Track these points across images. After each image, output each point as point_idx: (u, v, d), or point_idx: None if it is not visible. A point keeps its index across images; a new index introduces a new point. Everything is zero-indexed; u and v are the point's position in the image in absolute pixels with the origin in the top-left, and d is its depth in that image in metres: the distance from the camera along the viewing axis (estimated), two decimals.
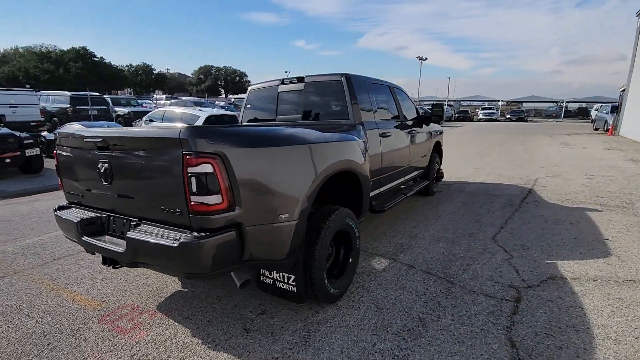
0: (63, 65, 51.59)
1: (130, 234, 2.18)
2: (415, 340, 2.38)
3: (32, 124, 13.22)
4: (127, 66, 74.67)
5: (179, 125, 2.33)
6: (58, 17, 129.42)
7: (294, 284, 2.44)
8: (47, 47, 56.38)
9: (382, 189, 4.20)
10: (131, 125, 16.77)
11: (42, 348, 2.36)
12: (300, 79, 4.12)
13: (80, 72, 51.54)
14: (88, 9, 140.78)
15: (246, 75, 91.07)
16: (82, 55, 54.75)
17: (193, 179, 1.93)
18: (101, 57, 57.56)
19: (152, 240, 2.05)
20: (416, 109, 5.57)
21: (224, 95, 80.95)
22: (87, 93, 15.67)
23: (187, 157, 1.92)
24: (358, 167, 3.09)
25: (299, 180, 2.32)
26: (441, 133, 6.71)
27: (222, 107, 21.85)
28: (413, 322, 2.58)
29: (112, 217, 2.52)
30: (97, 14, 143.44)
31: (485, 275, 3.28)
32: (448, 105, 53.13)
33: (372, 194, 3.94)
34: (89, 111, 15.05)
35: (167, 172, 2.05)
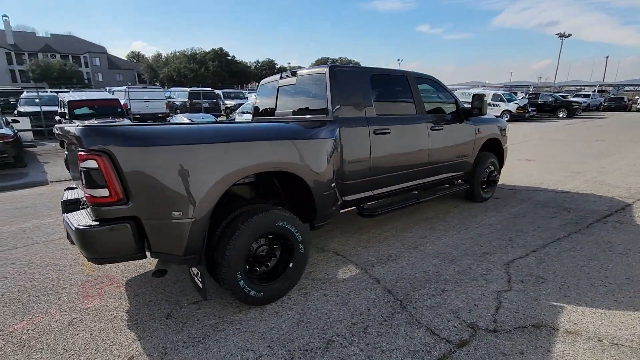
0: (204, 64, 60.78)
1: (65, 216, 2.55)
2: None
3: (159, 115, 16.16)
4: (254, 62, 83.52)
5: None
6: (206, 22, 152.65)
7: (201, 280, 2.48)
8: (194, 50, 67.06)
9: (375, 192, 3.82)
10: (229, 117, 18.92)
11: (30, 298, 2.98)
12: (293, 73, 4.02)
13: (216, 70, 60.03)
14: (224, 11, 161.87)
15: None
16: (219, 55, 63.51)
17: (83, 174, 2.15)
18: (233, 56, 65.82)
19: (67, 222, 2.37)
20: (456, 101, 4.80)
21: None
22: (201, 89, 18.31)
23: (79, 153, 2.14)
24: (301, 168, 2.88)
25: (195, 180, 2.33)
26: (504, 129, 5.62)
27: None
28: (318, 343, 2.34)
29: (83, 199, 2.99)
30: (232, 18, 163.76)
31: (452, 306, 2.70)
32: (598, 91, 43.46)
33: (357, 196, 3.66)
34: (202, 104, 17.57)
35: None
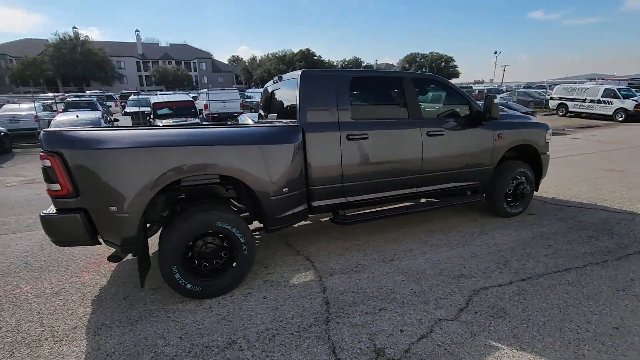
0: (292, 65, 63.87)
1: None
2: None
3: (234, 114, 17.67)
4: (341, 61, 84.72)
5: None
6: (302, 24, 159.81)
7: (138, 268, 2.78)
8: (284, 52, 70.85)
9: (350, 199, 3.71)
10: None
11: (48, 267, 3.68)
12: (280, 78, 4.11)
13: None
14: (316, 13, 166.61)
15: (453, 60, 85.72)
16: (306, 56, 66.06)
17: (42, 170, 2.61)
18: (319, 56, 67.79)
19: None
20: (469, 104, 4.31)
21: None
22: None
23: (40, 153, 2.61)
24: (242, 173, 2.97)
25: (127, 180, 2.61)
26: (542, 134, 4.83)
27: None
28: (222, 342, 2.43)
29: None
30: (327, 18, 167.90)
31: (376, 327, 2.51)
32: None
33: (326, 202, 3.61)
34: None
35: None
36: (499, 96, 28.03)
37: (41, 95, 27.53)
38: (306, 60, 65.19)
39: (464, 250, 3.79)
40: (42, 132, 2.62)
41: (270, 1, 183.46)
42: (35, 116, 14.29)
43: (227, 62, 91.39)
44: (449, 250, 3.81)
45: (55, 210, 2.67)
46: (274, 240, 4.23)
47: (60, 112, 15.12)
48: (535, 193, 5.04)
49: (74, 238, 2.72)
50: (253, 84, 70.97)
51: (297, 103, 3.46)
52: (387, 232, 4.34)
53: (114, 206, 2.63)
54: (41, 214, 2.68)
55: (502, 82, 56.22)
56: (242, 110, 18.01)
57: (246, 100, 20.42)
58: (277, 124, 3.59)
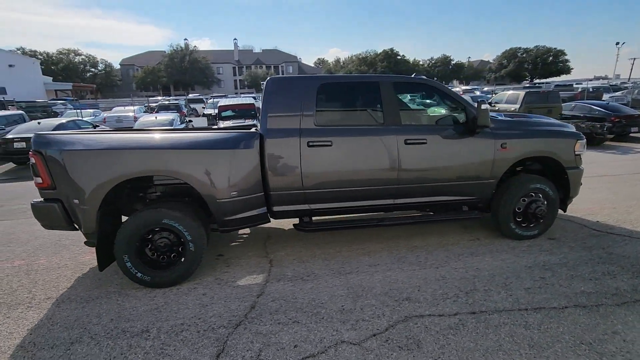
0: (374, 65, 63.40)
1: None
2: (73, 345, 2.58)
3: None
4: (428, 59, 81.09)
5: None
6: (392, 24, 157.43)
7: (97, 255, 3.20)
8: (368, 52, 70.60)
9: (313, 206, 3.67)
10: None
11: (56, 247, 4.43)
12: (263, 82, 4.22)
13: (383, 70, 61.59)
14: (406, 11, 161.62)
15: (563, 54, 75.02)
16: (389, 56, 64.87)
17: (30, 166, 3.19)
18: (403, 55, 65.89)
19: None
20: (465, 110, 3.86)
21: (528, 80, 71.36)
22: None
23: (29, 152, 3.19)
24: (186, 176, 3.17)
25: (86, 177, 3.02)
26: (569, 145, 4.06)
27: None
28: (138, 329, 2.68)
29: None
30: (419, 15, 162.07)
31: (275, 339, 2.48)
32: None
33: (287, 208, 3.65)
34: None
35: None
36: (609, 95, 23.53)
37: (150, 98, 32.31)
38: (388, 60, 64.04)
39: (435, 271, 3.43)
40: (34, 134, 3.20)
41: (359, 2, 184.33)
42: (134, 117, 16.93)
43: (312, 65, 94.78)
44: (418, 269, 3.49)
45: (40, 200, 3.24)
46: (254, 240, 4.39)
47: (154, 112, 17.65)
48: (574, 214, 4.24)
49: (54, 223, 3.26)
50: None
51: (262, 109, 3.56)
52: (367, 244, 4.14)
53: (77, 199, 3.08)
54: (31, 202, 3.28)
55: (629, 78, 47.39)
56: None
57: None
58: (235, 130, 3.73)
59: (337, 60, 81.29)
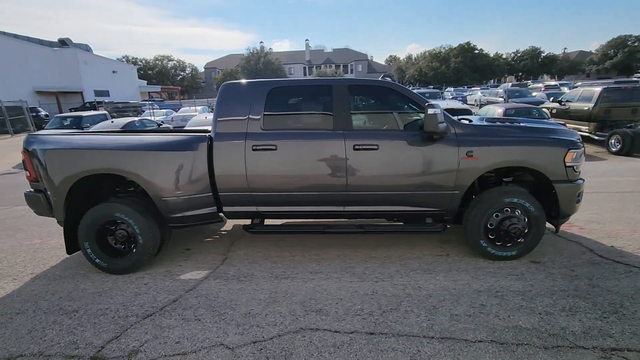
0: (447, 62, 59.82)
1: None
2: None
3: None
4: (513, 52, 74.16)
5: None
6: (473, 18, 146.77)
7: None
8: (442, 47, 66.72)
9: (260, 209, 3.74)
10: None
11: None
12: None
13: (457, 66, 57.79)
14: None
15: None
16: (465, 50, 60.56)
17: (22, 162, 3.80)
18: (480, 49, 60.98)
19: None
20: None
21: None
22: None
23: (21, 151, 3.80)
24: (134, 175, 3.48)
25: (55, 172, 3.49)
26: (560, 153, 3.48)
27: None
28: (70, 308, 3.05)
29: None
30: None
31: (168, 334, 2.62)
32: None
33: (237, 209, 3.77)
34: None
35: None
36: None
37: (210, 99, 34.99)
38: (464, 55, 59.81)
39: (371, 285, 3.25)
40: (27, 135, 3.81)
41: None
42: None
43: (384, 63, 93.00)
44: (356, 282, 3.34)
45: (31, 190, 3.85)
46: (226, 238, 4.59)
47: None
48: (589, 235, 3.65)
49: (41, 211, 3.84)
50: (408, 83, 70.04)
51: (214, 113, 3.73)
52: (326, 251, 4.05)
53: (50, 191, 3.60)
54: (24, 192, 3.90)
55: None
56: None
57: None
58: (187, 134, 3.93)
59: (409, 57, 78.45)
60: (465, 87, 48.46)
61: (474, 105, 25.99)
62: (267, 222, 4.05)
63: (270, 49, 78.27)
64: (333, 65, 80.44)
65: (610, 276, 3.26)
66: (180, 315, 2.87)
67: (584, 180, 3.75)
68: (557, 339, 2.42)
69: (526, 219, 3.54)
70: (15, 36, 32.86)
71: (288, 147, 3.58)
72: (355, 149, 3.53)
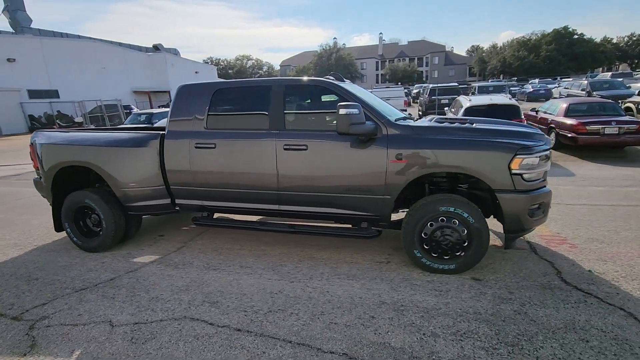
0: (537, 50, 53.33)
1: None
2: None
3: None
4: (626, 36, 63.42)
5: None
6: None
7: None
8: (533, 33, 59.61)
9: (205, 203, 3.99)
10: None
11: None
12: None
13: (549, 54, 51.11)
14: None
15: None
16: (561, 35, 53.28)
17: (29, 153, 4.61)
18: (581, 34, 52.97)
19: None
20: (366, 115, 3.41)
21: None
22: (445, 85, 17.69)
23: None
24: (97, 168, 3.98)
25: (45, 163, 4.17)
26: (509, 157, 3.04)
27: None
28: (24, 273, 3.65)
29: None
30: None
31: (85, 314, 3.02)
32: None
33: (186, 202, 4.09)
34: (438, 100, 17.24)
35: None
36: None
37: None
38: (559, 42, 52.61)
39: (285, 285, 3.26)
40: (34, 129, 4.61)
41: None
42: None
43: (465, 54, 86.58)
44: (274, 280, 3.38)
45: (38, 177, 4.66)
46: (200, 229, 4.94)
47: None
48: (576, 257, 3.22)
49: (42, 193, 4.63)
50: (490, 75, 64.35)
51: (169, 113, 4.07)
52: (277, 248, 4.13)
53: (42, 177, 4.32)
54: (33, 178, 4.73)
55: None
56: (405, 108, 17.72)
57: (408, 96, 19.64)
58: (142, 131, 4.30)
59: (494, 46, 71.73)
60: (558, 78, 42.71)
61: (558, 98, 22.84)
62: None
63: (343, 44, 78.57)
64: (407, 59, 77.53)
65: (551, 304, 2.78)
66: (103, 293, 3.26)
67: (549, 190, 3.22)
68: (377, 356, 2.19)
69: (465, 231, 3.18)
70: (120, 44, 38.48)
71: (225, 146, 3.74)
72: (285, 149, 3.54)
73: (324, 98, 3.93)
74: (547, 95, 26.31)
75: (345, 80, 4.07)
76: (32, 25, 34.16)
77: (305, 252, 3.98)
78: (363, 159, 3.34)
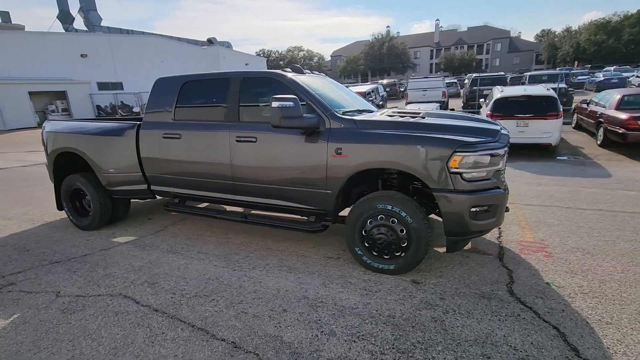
0: (617, 34, 47.04)
1: None
2: None
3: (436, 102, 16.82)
4: None
5: None
6: None
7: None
8: (617, 14, 52.59)
9: (176, 190, 4.23)
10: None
11: None
12: None
13: (632, 38, 44.80)
14: None
15: None
16: None
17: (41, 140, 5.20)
18: None
19: None
20: (312, 107, 3.37)
21: None
22: (488, 74, 16.24)
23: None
24: (83, 153, 4.37)
25: (48, 148, 4.70)
26: (448, 153, 2.83)
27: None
28: (30, 247, 4.17)
29: None
30: None
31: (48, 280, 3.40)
32: None
33: (159, 188, 4.38)
34: (480, 90, 15.98)
35: None
36: None
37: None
38: None
39: (226, 273, 3.37)
40: (45, 119, 5.19)
41: None
42: None
43: (532, 40, 79.04)
44: (219, 267, 3.50)
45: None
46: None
47: None
48: (540, 263, 2.99)
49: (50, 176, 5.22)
50: (560, 63, 58.27)
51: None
52: (241, 237, 4.27)
53: (47, 160, 4.88)
54: (45, 163, 5.34)
55: None
56: (444, 99, 16.80)
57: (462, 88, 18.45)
58: (123, 122, 4.59)
59: (567, 30, 64.51)
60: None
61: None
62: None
63: (397, 33, 76.06)
64: (465, 46, 72.85)
65: (477, 315, 2.56)
66: (69, 267, 3.64)
67: (501, 192, 2.94)
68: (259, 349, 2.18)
69: (404, 231, 3.02)
70: (178, 39, 41.11)
71: (188, 137, 3.91)
72: (237, 141, 3.62)
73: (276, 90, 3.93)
74: (622, 85, 23.19)
75: (305, 72, 4.02)
76: (103, 24, 37.83)
77: (265, 242, 4.05)
78: (306, 152, 3.30)
